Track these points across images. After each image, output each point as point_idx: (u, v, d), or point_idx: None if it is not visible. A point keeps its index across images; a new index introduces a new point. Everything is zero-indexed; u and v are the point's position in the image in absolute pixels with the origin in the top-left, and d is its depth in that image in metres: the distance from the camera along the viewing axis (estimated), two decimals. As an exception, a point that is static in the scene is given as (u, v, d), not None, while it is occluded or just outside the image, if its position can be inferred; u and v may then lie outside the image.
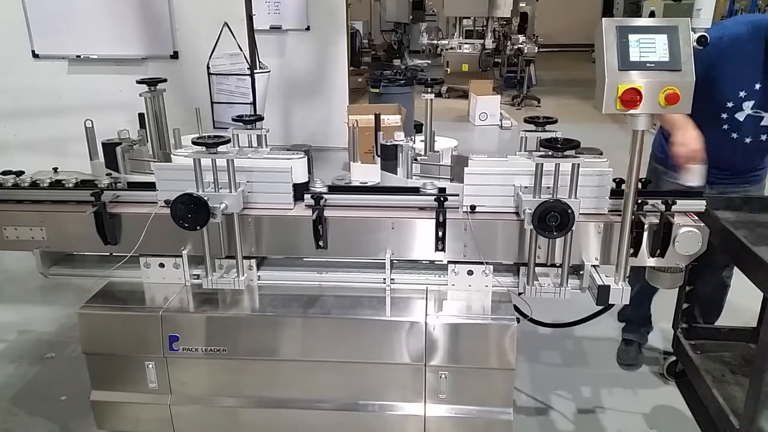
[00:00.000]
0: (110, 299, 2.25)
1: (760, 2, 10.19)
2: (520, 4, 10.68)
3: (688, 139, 2.36)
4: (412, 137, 2.49)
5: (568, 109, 9.18)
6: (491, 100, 8.78)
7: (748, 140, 2.51)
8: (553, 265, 2.16)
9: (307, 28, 7.03)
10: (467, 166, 2.14)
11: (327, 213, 2.14)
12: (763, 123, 2.47)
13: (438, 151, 2.58)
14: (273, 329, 2.15)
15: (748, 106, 2.46)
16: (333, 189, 2.25)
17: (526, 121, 2.28)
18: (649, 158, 2.87)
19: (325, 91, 7.12)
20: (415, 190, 2.22)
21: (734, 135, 2.52)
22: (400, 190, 2.26)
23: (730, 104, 2.47)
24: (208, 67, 5.01)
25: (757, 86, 2.42)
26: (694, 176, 2.20)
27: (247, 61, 4.93)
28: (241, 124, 2.42)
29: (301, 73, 7.06)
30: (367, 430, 2.23)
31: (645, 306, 3.12)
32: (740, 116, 2.48)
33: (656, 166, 2.83)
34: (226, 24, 4.84)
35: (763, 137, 2.50)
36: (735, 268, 2.60)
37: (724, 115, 2.50)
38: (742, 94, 2.44)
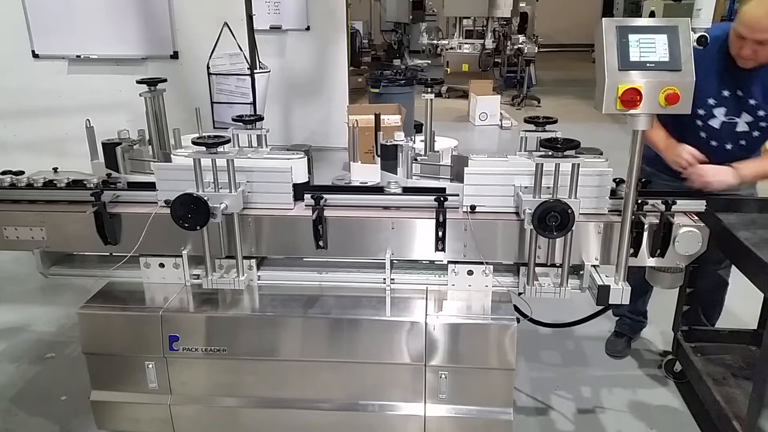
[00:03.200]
0: (110, 299, 2.25)
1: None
2: (520, 4, 10.67)
3: (679, 150, 2.46)
4: (412, 137, 2.49)
5: (568, 109, 9.17)
6: (491, 100, 8.77)
7: (728, 147, 2.50)
8: (553, 265, 2.16)
9: (307, 28, 7.02)
10: (467, 166, 2.14)
11: (327, 213, 2.14)
12: (738, 129, 2.47)
13: (438, 151, 2.57)
14: (273, 329, 2.16)
15: (720, 113, 2.46)
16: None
17: (526, 121, 2.28)
18: None
19: (325, 91, 7.12)
20: (380, 190, 2.24)
21: (713, 143, 2.52)
22: (370, 190, 2.28)
23: (701, 112, 2.47)
24: (208, 67, 5.01)
25: (725, 93, 2.42)
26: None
27: (247, 61, 4.93)
28: (241, 124, 2.42)
29: (301, 73, 7.06)
30: (367, 430, 2.23)
31: (640, 302, 3.12)
32: (715, 123, 2.48)
33: (644, 166, 2.83)
34: (226, 24, 4.84)
35: (743, 142, 2.50)
36: (733, 267, 2.60)
37: (699, 123, 2.51)
38: (710, 101, 2.45)
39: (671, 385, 2.94)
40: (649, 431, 2.66)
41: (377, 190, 2.31)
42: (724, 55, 2.37)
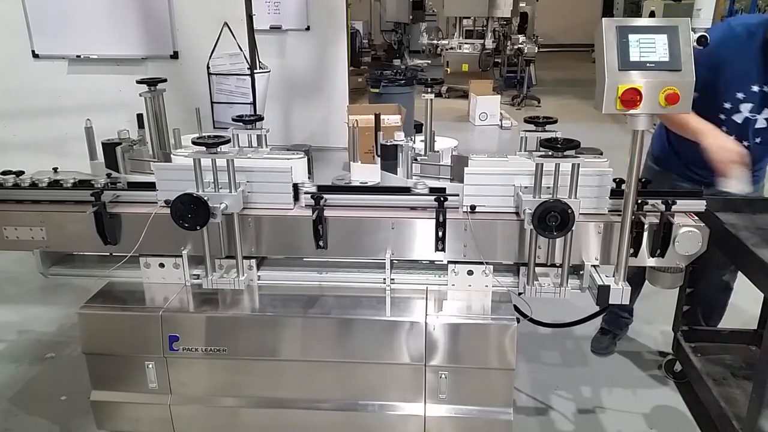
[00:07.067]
0: (110, 299, 2.25)
1: (760, 2, 10.18)
2: (520, 4, 10.68)
3: (725, 142, 2.31)
4: (412, 137, 2.49)
5: (568, 109, 9.17)
6: (491, 100, 8.77)
7: (745, 143, 2.50)
8: (553, 265, 2.16)
9: (307, 28, 7.03)
10: (467, 166, 2.14)
11: (327, 213, 2.14)
12: (757, 125, 2.46)
13: (438, 151, 2.57)
14: (273, 329, 2.15)
15: (746, 109, 2.45)
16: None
17: (526, 121, 2.28)
18: (645, 158, 2.87)
19: (325, 91, 7.12)
20: (406, 190, 2.22)
21: (731, 138, 2.51)
22: (394, 190, 2.26)
23: (727, 105, 2.45)
24: (208, 67, 5.01)
25: (755, 88, 2.41)
26: (739, 182, 2.16)
27: (247, 61, 4.93)
28: (241, 124, 2.42)
29: (301, 73, 7.06)
30: (367, 430, 2.23)
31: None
32: (738, 118, 2.47)
33: (653, 166, 2.83)
34: (226, 24, 4.85)
35: (758, 140, 2.50)
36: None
37: (723, 116, 2.48)
38: (739, 95, 2.43)
39: (671, 385, 2.94)
40: (649, 431, 2.66)
41: (377, 190, 2.31)
42: (761, 49, 2.35)
